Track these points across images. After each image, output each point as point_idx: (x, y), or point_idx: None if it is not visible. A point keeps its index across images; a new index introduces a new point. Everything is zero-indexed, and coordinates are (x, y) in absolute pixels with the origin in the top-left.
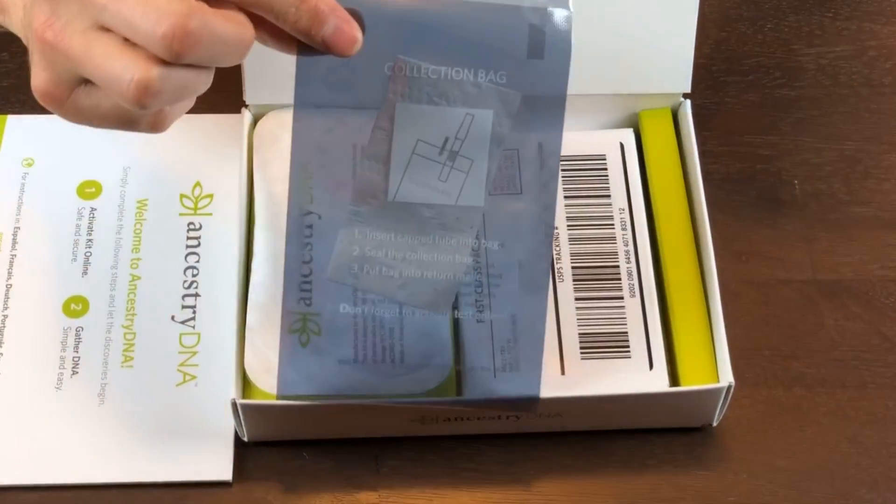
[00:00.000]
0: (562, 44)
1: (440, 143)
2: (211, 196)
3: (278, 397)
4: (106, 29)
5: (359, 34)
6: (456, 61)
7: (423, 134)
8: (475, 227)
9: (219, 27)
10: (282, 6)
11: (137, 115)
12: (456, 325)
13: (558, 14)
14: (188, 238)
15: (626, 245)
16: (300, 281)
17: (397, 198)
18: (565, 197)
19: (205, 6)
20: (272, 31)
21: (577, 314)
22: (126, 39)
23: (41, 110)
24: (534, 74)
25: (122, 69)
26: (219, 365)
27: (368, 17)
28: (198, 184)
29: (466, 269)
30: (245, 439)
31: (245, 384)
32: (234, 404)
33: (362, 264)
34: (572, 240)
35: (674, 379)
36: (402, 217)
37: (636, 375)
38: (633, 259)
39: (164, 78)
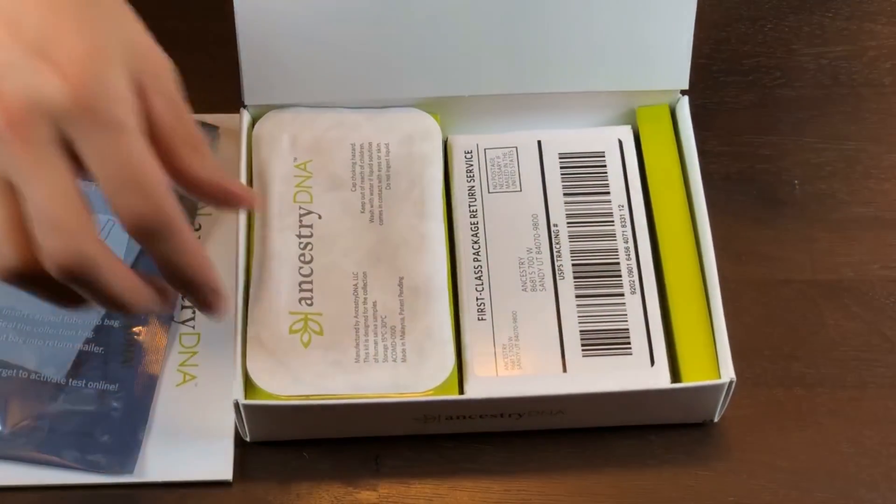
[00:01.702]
0: None
1: None
2: None
3: (281, 397)
4: (7, 183)
5: None
6: None
7: None
8: (102, 311)
9: (109, 278)
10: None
11: None
12: (457, 324)
13: None
14: None
15: (626, 242)
16: (301, 281)
17: None
18: (564, 194)
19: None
20: None
21: (578, 311)
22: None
23: None
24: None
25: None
26: (219, 365)
27: None
28: None
29: (85, 342)
30: (247, 439)
31: (247, 384)
32: (236, 405)
33: None
34: (572, 237)
35: (675, 375)
36: None
37: (638, 372)
38: (633, 256)
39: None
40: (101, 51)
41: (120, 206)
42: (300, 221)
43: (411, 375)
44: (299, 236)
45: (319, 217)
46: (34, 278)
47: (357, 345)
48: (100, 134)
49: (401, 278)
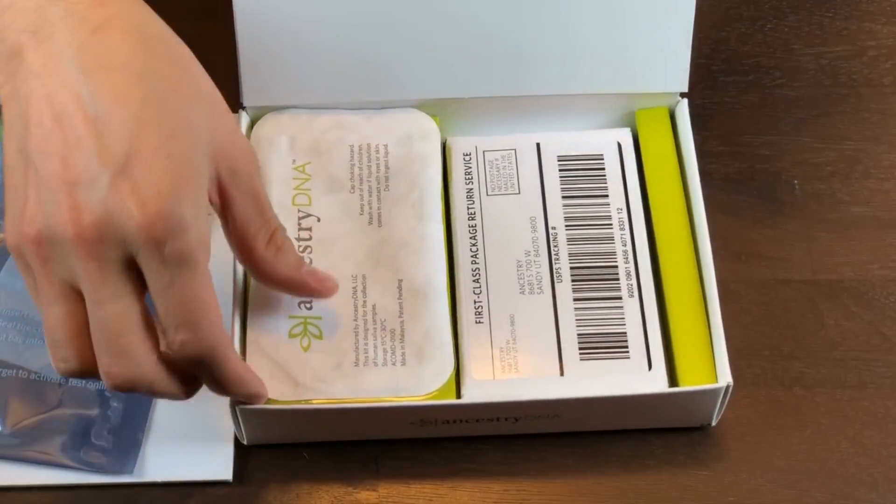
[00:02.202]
0: None
1: None
2: None
3: (281, 402)
4: (75, 289)
5: None
6: None
7: None
8: None
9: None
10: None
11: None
12: (455, 327)
13: None
14: None
15: (625, 245)
16: None
17: None
18: (563, 197)
19: (156, 369)
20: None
21: (576, 315)
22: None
23: None
24: None
25: (62, 347)
26: None
27: None
28: None
29: None
30: (245, 443)
31: None
32: (233, 409)
33: None
34: (570, 240)
35: (672, 379)
36: None
37: (635, 376)
38: (631, 259)
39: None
40: (181, 172)
41: (172, 339)
42: (299, 224)
43: (411, 378)
44: (298, 239)
45: (318, 220)
46: (91, 376)
47: (356, 348)
48: (164, 269)
49: (400, 280)
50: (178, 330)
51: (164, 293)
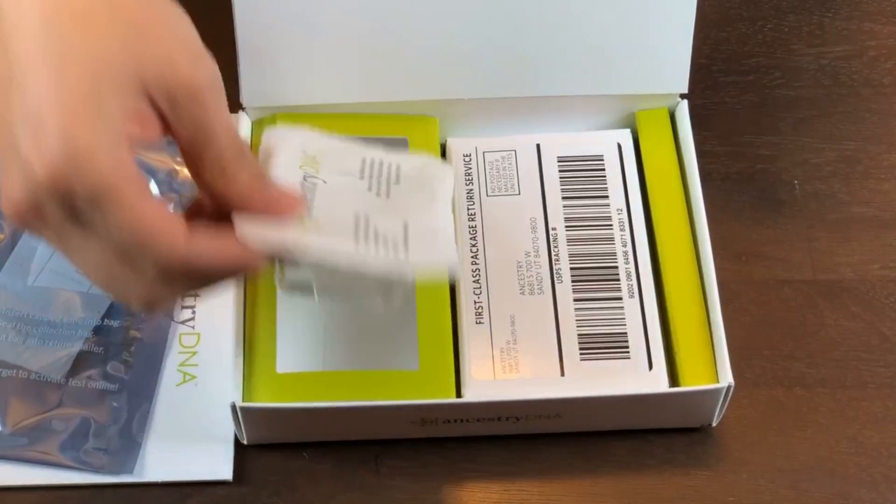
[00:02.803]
0: None
1: None
2: None
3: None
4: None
5: None
6: None
7: None
8: (101, 311)
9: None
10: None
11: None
12: (455, 327)
13: None
14: None
15: (625, 246)
16: None
17: (36, 283)
18: (563, 198)
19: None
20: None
21: (576, 315)
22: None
23: None
24: None
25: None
26: (219, 365)
27: None
28: None
29: (85, 342)
30: (244, 442)
31: (245, 386)
32: (233, 408)
33: None
34: (570, 241)
35: (673, 379)
36: (40, 296)
37: (636, 376)
38: (631, 260)
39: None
40: (77, 111)
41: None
42: (304, 181)
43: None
44: (302, 188)
45: (325, 182)
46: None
47: (357, 242)
48: (93, 215)
49: (406, 221)
50: (112, 290)
51: (99, 236)
